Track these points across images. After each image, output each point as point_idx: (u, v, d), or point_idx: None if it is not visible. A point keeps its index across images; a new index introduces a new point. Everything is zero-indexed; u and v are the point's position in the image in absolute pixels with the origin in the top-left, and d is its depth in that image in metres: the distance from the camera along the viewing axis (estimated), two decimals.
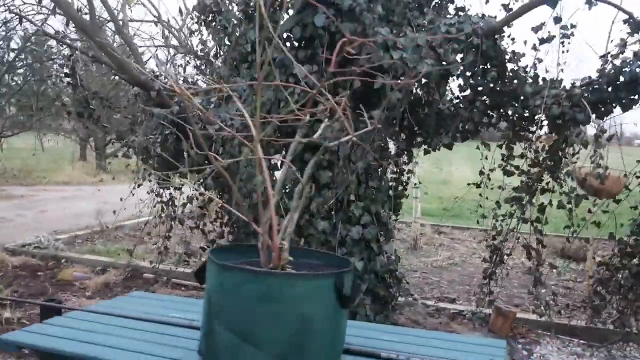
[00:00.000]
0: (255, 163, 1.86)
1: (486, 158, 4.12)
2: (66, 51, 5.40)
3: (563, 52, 3.60)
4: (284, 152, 3.53)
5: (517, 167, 3.99)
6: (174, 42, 5.52)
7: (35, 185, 14.18)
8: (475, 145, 4.13)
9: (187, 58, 5.20)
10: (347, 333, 1.79)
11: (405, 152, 4.18)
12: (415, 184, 4.44)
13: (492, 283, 4.23)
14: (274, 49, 3.36)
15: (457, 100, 3.95)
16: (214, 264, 1.56)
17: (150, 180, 4.78)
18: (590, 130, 3.60)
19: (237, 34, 4.38)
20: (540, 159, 3.86)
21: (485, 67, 3.75)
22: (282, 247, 1.69)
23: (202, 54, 5.14)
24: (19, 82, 17.13)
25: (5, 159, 17.77)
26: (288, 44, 3.66)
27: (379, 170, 3.84)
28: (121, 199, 4.91)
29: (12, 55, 16.24)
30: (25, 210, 9.66)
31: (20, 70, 16.96)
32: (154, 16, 5.50)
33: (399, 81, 3.01)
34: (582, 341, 4.15)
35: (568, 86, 3.66)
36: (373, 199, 3.66)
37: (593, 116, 3.50)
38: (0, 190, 12.47)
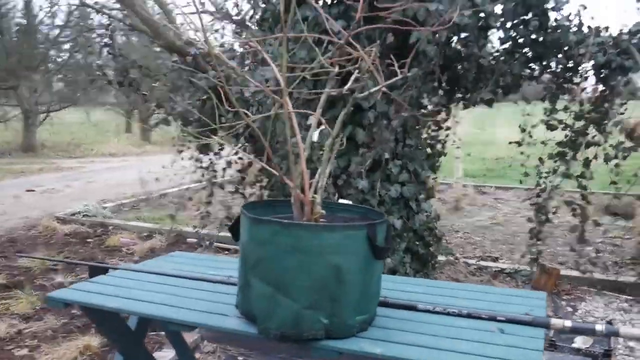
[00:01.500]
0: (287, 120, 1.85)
1: (528, 114, 4.01)
2: (105, 21, 5.47)
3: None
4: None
5: (560, 121, 3.86)
6: (210, 7, 5.51)
7: (83, 157, 14.62)
8: (518, 105, 4.01)
9: (223, 23, 5.18)
10: (384, 287, 1.79)
11: (444, 109, 4.08)
12: (455, 143, 4.34)
13: (538, 242, 4.14)
14: (306, 6, 3.32)
15: (497, 53, 3.82)
16: (247, 217, 1.57)
17: (189, 147, 4.83)
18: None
19: None
20: (585, 111, 3.72)
21: (526, 16, 3.60)
22: (314, 200, 1.69)
23: (238, 18, 5.12)
24: (65, 57, 17.54)
25: (55, 133, 18.35)
26: (320, 1, 3.60)
27: (417, 128, 3.78)
28: (163, 167, 5.00)
29: (57, 31, 16.57)
30: (73, 181, 9.98)
31: (66, 46, 17.35)
32: None
33: (432, 28, 2.90)
34: (629, 297, 4.05)
35: (614, 33, 3.50)
36: (411, 157, 3.61)
37: None
38: (50, 162, 12.89)
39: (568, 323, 1.63)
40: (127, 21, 4.85)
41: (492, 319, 1.70)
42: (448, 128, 4.17)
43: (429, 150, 3.97)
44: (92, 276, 2.18)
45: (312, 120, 1.79)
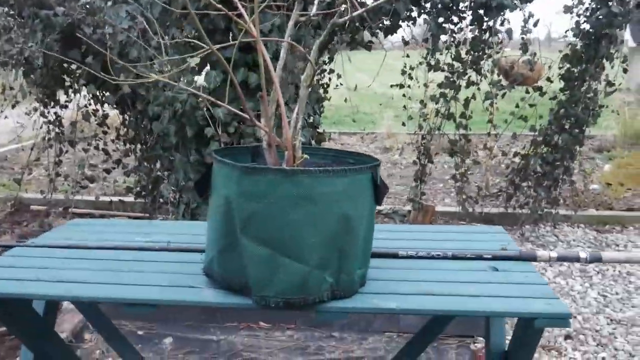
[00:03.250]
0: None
1: (407, 56, 4.03)
2: None
3: None
4: None
5: (438, 62, 3.93)
6: None
7: None
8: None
9: None
10: None
11: (327, 51, 3.94)
12: (337, 88, 4.24)
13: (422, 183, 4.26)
14: None
15: None
16: (234, 167, 1.29)
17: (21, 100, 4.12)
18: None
19: None
20: (464, 52, 3.82)
21: None
22: (296, 144, 1.45)
23: None
24: None
25: None
26: None
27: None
28: None
29: None
30: None
31: None
32: None
33: None
34: (497, 226, 4.38)
35: None
36: (306, 102, 3.42)
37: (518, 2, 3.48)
38: None
39: (554, 253, 1.62)
40: None
41: (479, 257, 1.64)
42: (332, 71, 4.04)
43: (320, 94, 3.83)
44: None
45: (283, 49, 1.53)
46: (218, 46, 1.39)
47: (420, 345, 1.95)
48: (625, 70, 3.65)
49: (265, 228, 1.28)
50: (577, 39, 3.56)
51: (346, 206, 1.31)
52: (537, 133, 3.89)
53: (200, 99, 3.07)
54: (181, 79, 3.04)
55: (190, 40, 1.56)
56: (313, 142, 3.54)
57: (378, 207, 4.71)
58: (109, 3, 3.49)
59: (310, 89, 3.04)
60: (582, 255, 1.61)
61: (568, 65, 3.66)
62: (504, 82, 3.71)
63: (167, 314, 2.96)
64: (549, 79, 3.75)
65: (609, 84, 3.65)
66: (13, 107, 4.23)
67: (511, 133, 4.03)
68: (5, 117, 4.23)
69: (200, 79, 3.34)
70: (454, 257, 1.64)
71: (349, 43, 3.84)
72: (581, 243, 4.33)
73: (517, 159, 4.10)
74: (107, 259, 1.65)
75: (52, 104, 4.10)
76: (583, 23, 3.56)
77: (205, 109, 3.13)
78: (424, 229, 2.04)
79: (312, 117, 3.48)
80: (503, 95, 3.66)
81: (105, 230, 1.97)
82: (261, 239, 1.28)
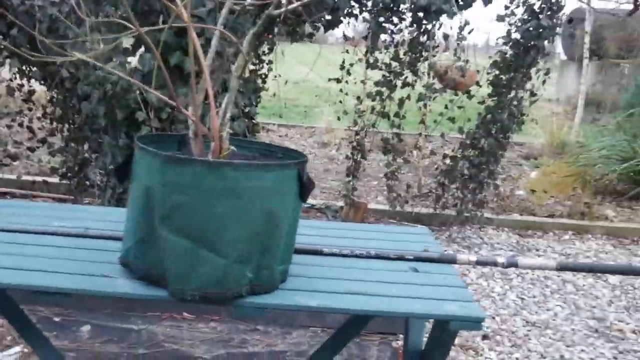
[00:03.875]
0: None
1: (347, 51, 4.05)
2: None
3: None
4: None
5: (376, 60, 3.97)
6: None
7: None
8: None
9: None
10: None
11: (267, 42, 3.91)
12: (275, 79, 4.21)
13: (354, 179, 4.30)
14: None
15: None
16: (158, 156, 1.25)
17: None
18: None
19: None
20: (402, 53, 3.87)
21: None
22: (223, 135, 1.42)
23: None
24: None
25: None
26: None
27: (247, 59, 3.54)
28: None
29: None
30: None
31: None
32: None
33: None
34: (426, 227, 4.48)
35: None
36: (241, 91, 3.38)
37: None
38: None
39: (473, 257, 1.67)
40: None
41: (401, 258, 1.66)
42: (270, 62, 4.01)
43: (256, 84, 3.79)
44: None
45: (215, 37, 1.49)
46: (146, 29, 1.35)
47: (342, 341, 1.96)
48: (544, 82, 3.80)
49: (188, 220, 1.25)
50: (507, 47, 3.68)
51: (272, 201, 1.30)
52: (465, 136, 4.00)
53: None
54: (113, 60, 2.94)
55: (119, 21, 1.50)
56: (248, 133, 3.51)
57: (311, 202, 4.76)
58: None
59: (242, 80, 3.00)
60: (500, 260, 1.66)
61: (497, 72, 3.78)
62: (438, 86, 3.79)
63: (85, 302, 2.85)
64: (478, 84, 3.85)
65: (532, 93, 3.80)
66: None
67: (436, 132, 4.13)
68: None
69: (134, 61, 3.24)
70: (377, 257, 1.66)
71: (289, 34, 3.82)
72: (504, 246, 4.49)
73: (447, 161, 4.20)
74: (20, 243, 1.58)
75: None
76: (514, 32, 3.68)
77: (137, 92, 3.04)
78: (352, 227, 2.05)
79: (247, 108, 3.44)
80: (434, 98, 3.74)
81: (22, 212, 1.88)
82: (182, 231, 1.25)
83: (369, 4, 3.87)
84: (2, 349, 2.50)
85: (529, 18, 3.61)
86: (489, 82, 3.79)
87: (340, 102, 4.09)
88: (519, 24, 3.64)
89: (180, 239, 1.25)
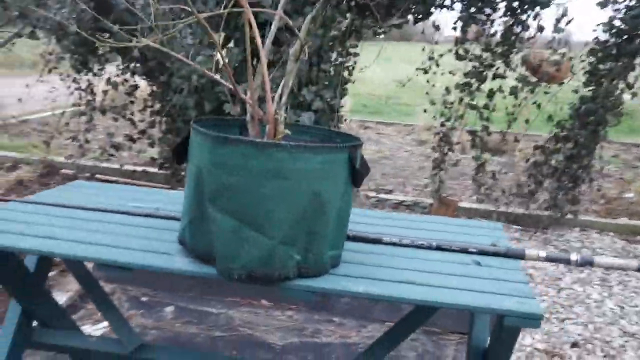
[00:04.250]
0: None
1: (436, 42, 3.95)
2: None
3: None
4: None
5: (467, 51, 3.84)
6: None
7: None
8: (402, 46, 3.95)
9: None
10: None
11: (355, 34, 3.89)
12: (361, 71, 4.19)
13: (441, 172, 4.19)
14: None
15: None
16: (208, 136, 1.28)
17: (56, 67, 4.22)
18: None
19: None
20: (494, 43, 3.72)
21: None
22: (278, 118, 1.43)
23: None
24: None
25: None
26: None
27: (329, 53, 3.56)
28: (27, 86, 4.37)
29: None
30: None
31: None
32: None
33: None
34: (519, 227, 4.27)
35: None
36: (325, 84, 3.40)
37: None
38: None
39: (542, 253, 1.56)
40: None
41: (464, 250, 1.59)
42: (356, 54, 3.99)
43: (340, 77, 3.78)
44: None
45: (275, 22, 1.50)
46: (204, 15, 1.38)
47: (398, 336, 1.90)
48: None
49: (234, 200, 1.27)
50: (608, 35, 3.41)
51: (318, 184, 1.28)
52: (559, 129, 3.77)
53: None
54: (200, 54, 3.05)
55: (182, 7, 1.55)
56: (332, 125, 3.51)
57: (400, 198, 4.69)
58: None
59: (327, 73, 2.99)
60: (573, 257, 1.54)
61: (594, 60, 3.52)
62: (532, 79, 3.59)
63: (172, 283, 3.00)
64: (571, 71, 3.62)
65: (628, 85, 3.49)
66: (50, 71, 4.34)
67: (534, 130, 3.91)
68: (42, 81, 4.35)
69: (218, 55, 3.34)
70: (439, 248, 1.60)
71: (372, 27, 3.78)
72: (607, 251, 4.18)
73: (537, 154, 3.98)
74: (95, 220, 1.68)
75: (85, 71, 4.19)
76: (616, 19, 3.40)
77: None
78: (423, 219, 1.99)
79: (332, 101, 3.44)
80: (531, 92, 3.55)
81: (104, 194, 2.00)
82: (229, 210, 1.27)
83: None
84: (93, 323, 2.69)
85: (636, 4, 3.32)
86: (585, 71, 3.54)
87: (427, 93, 3.99)
88: (624, 11, 3.36)
89: (227, 218, 1.27)
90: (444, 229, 1.82)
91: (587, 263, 1.53)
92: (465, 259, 1.56)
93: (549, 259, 1.56)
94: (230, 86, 1.44)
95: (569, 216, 4.09)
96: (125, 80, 4.12)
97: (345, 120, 3.89)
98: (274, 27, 1.51)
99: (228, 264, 1.30)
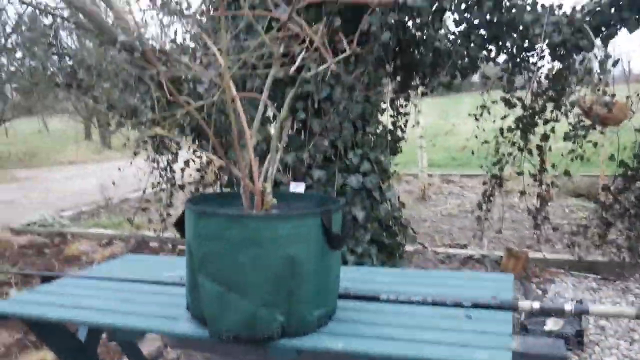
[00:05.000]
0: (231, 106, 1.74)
1: (487, 91, 3.97)
2: (47, 21, 5.23)
3: None
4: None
5: (519, 99, 3.84)
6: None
7: (41, 167, 14.17)
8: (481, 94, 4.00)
9: (172, 17, 5.00)
10: (348, 278, 1.70)
11: (402, 95, 4.02)
12: (419, 131, 4.28)
13: (499, 222, 4.12)
14: None
15: (453, 36, 3.76)
16: (191, 211, 1.46)
17: (145, 149, 4.66)
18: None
19: None
20: (543, 89, 3.69)
21: None
22: (264, 189, 1.58)
23: (188, 11, 4.95)
24: (17, 65, 16.93)
25: (10, 144, 17.77)
26: None
27: (376, 115, 3.69)
28: (119, 169, 4.83)
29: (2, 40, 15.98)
30: (30, 192, 9.64)
31: (19, 54, 16.76)
32: None
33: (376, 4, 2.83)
34: (597, 277, 4.05)
35: (568, 12, 3.48)
36: (372, 145, 3.52)
37: (597, 42, 3.32)
38: (5, 173, 12.45)
39: (536, 304, 1.56)
40: (72, 19, 4.64)
41: (458, 304, 1.62)
42: (406, 114, 4.10)
43: (388, 137, 3.90)
44: None
45: (260, 105, 1.68)
46: (195, 104, 1.58)
47: None
48: None
49: (217, 267, 1.42)
50: None
51: (292, 249, 1.40)
52: (619, 164, 3.62)
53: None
54: None
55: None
56: (384, 185, 3.60)
57: (468, 252, 4.62)
58: (198, 62, 3.88)
59: (374, 136, 3.09)
60: (568, 307, 1.53)
61: None
62: (586, 122, 3.50)
63: (232, 348, 3.14)
64: (631, 109, 3.49)
65: None
66: (135, 155, 4.80)
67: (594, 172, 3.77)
68: (131, 163, 4.81)
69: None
70: (433, 303, 1.64)
71: (427, 85, 3.88)
72: None
73: (603, 195, 3.82)
74: (129, 290, 1.88)
75: (164, 152, 4.59)
76: None
77: None
78: (436, 275, 2.02)
79: (382, 160, 3.54)
80: (584, 136, 3.46)
81: (147, 265, 2.23)
82: (214, 277, 1.42)
83: (508, 44, 3.78)
84: None
85: None
86: None
87: (476, 137, 4.00)
88: None
89: (212, 284, 1.42)
90: (455, 284, 1.85)
91: (582, 312, 1.51)
92: (459, 312, 1.59)
93: (543, 310, 1.55)
94: (222, 161, 1.62)
95: None
96: (199, 157, 4.46)
97: (402, 179, 3.96)
98: (258, 114, 1.67)
99: (217, 326, 1.43)
